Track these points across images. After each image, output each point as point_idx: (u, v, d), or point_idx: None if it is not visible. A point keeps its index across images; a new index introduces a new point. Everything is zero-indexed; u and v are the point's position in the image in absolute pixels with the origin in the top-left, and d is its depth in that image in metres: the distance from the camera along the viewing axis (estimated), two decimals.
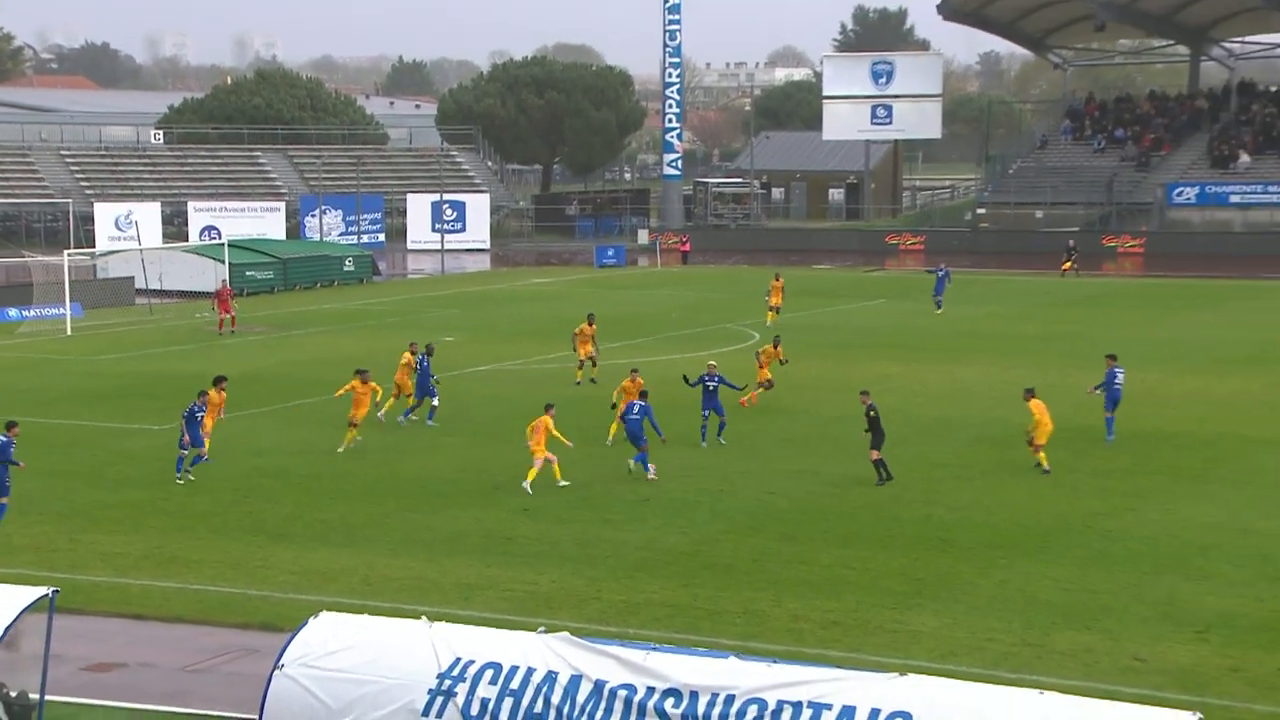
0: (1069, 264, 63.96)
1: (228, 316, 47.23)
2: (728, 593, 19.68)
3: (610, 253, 73.79)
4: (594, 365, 36.10)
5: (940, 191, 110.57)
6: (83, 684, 16.63)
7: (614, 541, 22.25)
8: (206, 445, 26.26)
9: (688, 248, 75.76)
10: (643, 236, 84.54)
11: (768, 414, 31.37)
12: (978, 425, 30.92)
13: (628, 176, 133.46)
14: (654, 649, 11.81)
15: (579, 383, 35.38)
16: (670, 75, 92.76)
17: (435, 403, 30.98)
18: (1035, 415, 26.39)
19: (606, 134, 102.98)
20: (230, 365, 37.70)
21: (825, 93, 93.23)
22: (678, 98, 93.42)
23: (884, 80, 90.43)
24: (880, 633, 18.14)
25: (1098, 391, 29.55)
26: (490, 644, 12.04)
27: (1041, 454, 26.29)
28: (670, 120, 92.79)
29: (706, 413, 28.85)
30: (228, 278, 53.77)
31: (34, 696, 14.23)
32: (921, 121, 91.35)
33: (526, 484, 24.98)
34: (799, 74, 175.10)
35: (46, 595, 13.73)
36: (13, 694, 14.12)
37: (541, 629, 12.52)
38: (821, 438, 29.68)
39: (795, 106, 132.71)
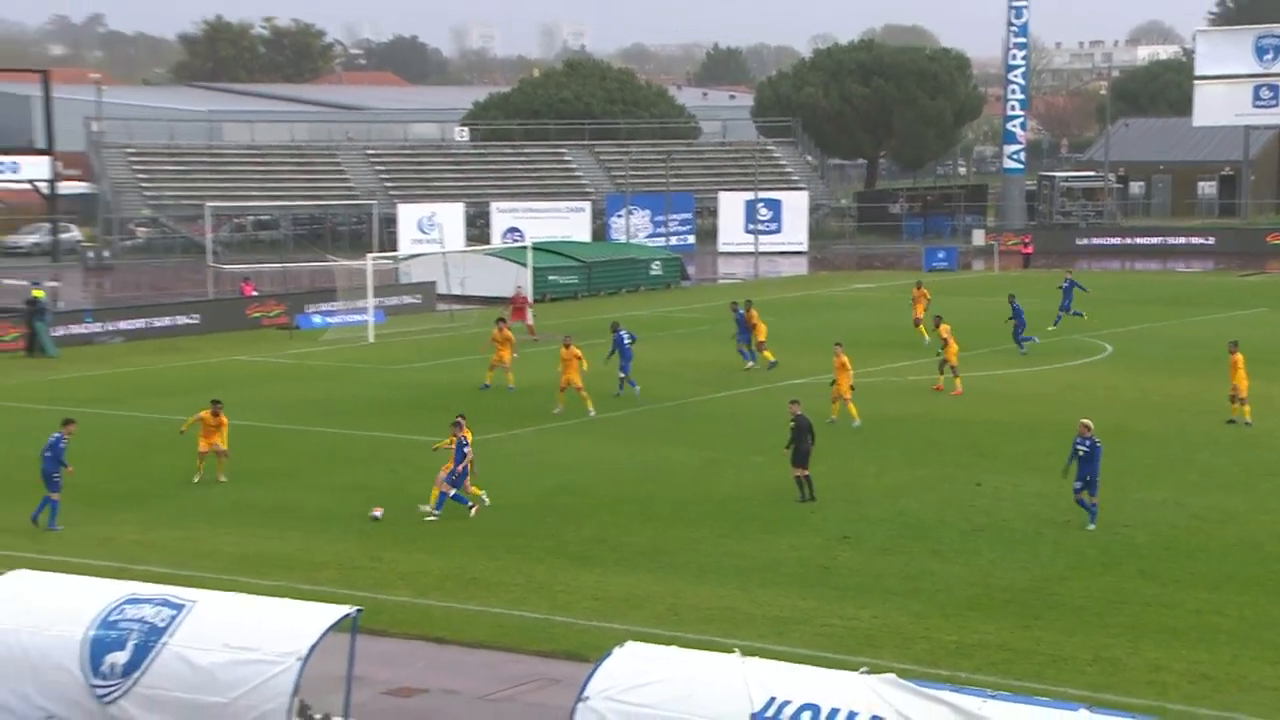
0: None
1: (522, 324, 47.14)
2: (1076, 637, 19.25)
3: (941, 255, 72.80)
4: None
5: None
6: (385, 709, 17.44)
7: (944, 575, 21.99)
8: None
9: (1030, 250, 74.00)
10: (978, 237, 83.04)
11: (1124, 437, 30.37)
12: None
13: (962, 171, 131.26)
14: (992, 696, 11.66)
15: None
16: (1014, 57, 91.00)
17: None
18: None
19: (940, 124, 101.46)
20: (533, 375, 38.97)
21: (1198, 72, 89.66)
22: (1022, 82, 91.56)
23: (1271, 56, 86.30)
24: (1260, 690, 17.46)
25: None
26: (808, 683, 12.11)
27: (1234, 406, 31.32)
28: (1013, 108, 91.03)
29: (1080, 485, 24.52)
30: (525, 283, 53.49)
31: None
32: None
33: None
34: (1165, 52, 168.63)
35: (350, 615, 14.53)
36: (316, 716, 14.94)
37: (864, 669, 12.49)
38: (1188, 464, 28.62)
39: (1160, 89, 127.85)
